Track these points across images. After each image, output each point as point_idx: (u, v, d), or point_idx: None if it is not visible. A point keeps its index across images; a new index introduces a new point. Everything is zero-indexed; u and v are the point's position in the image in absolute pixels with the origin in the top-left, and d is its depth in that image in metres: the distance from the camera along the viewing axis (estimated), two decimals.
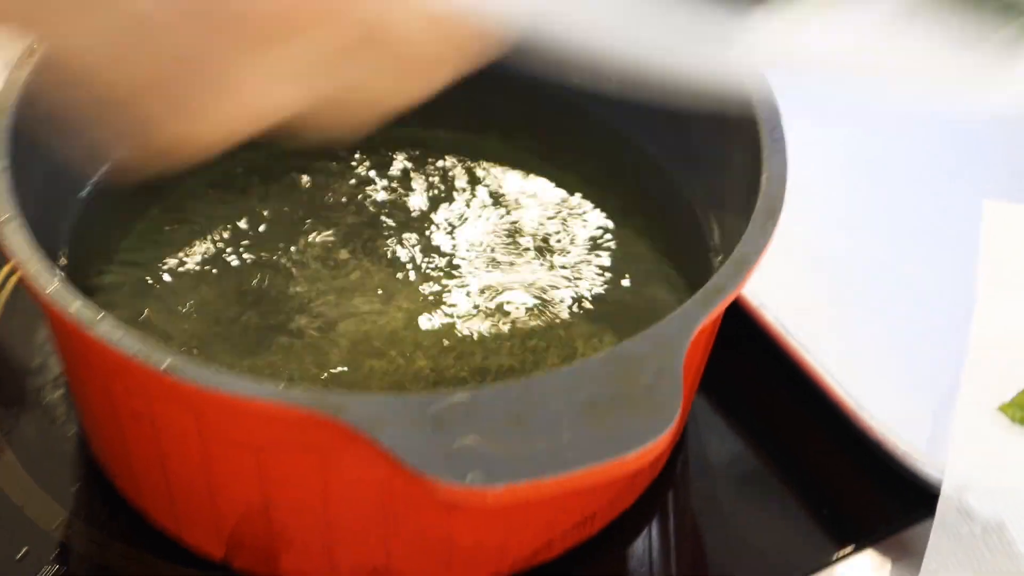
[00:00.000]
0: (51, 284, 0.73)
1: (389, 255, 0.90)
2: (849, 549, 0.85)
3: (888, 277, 0.98)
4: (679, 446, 0.89)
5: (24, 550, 0.84)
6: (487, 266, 0.90)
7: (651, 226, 0.92)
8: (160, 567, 0.84)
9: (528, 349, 0.85)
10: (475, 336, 0.85)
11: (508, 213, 0.93)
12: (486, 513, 0.76)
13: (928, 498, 0.85)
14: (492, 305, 0.87)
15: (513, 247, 0.91)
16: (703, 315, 0.72)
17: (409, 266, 0.89)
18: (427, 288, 0.88)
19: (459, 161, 0.96)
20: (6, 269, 0.98)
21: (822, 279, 0.97)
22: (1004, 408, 0.89)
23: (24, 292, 0.96)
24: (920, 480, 0.86)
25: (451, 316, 0.86)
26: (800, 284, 0.96)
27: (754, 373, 0.93)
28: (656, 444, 0.67)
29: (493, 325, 0.86)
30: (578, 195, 0.94)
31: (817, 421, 0.90)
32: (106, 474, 0.86)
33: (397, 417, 0.67)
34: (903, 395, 0.90)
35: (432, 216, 0.92)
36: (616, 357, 0.70)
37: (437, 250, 0.90)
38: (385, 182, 0.94)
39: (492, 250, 0.91)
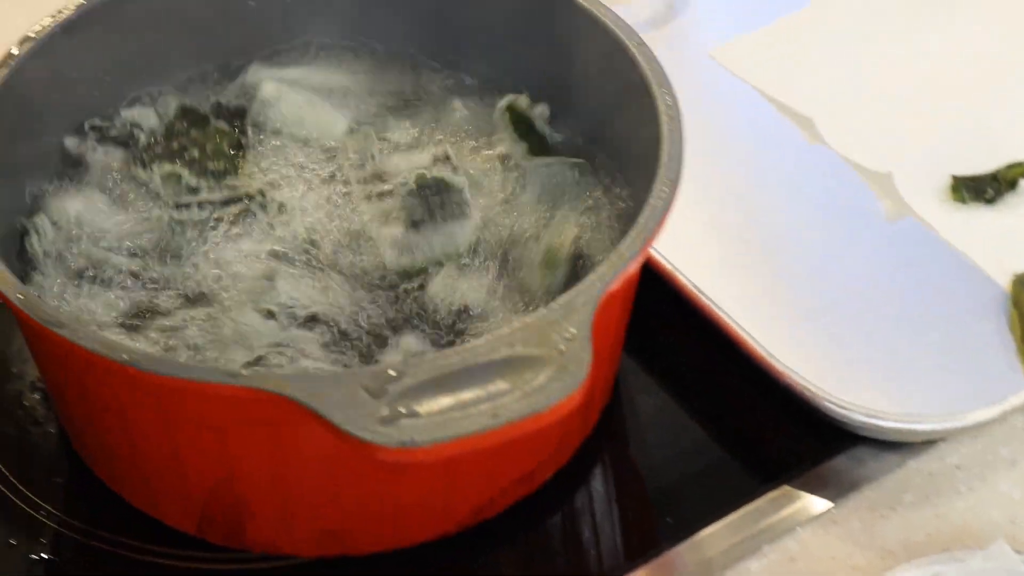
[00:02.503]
0: (18, 293, 0.80)
1: None
2: (771, 485, 0.93)
3: (793, 238, 1.06)
4: (611, 406, 0.96)
5: (14, 543, 0.91)
6: None
7: None
8: (142, 549, 0.91)
9: None
10: None
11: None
12: (425, 472, 0.83)
13: (838, 434, 0.94)
14: None
15: None
16: (609, 281, 0.79)
17: None
18: None
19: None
20: None
21: (734, 244, 1.05)
22: None
23: None
24: (829, 418, 0.94)
25: None
26: (715, 250, 1.04)
27: (675, 333, 1.01)
28: (570, 398, 0.74)
29: None
30: None
31: (735, 373, 0.98)
32: (86, 465, 0.93)
33: (334, 389, 0.74)
34: (809, 342, 0.98)
35: None
36: (532, 324, 0.77)
37: None
38: None
39: None
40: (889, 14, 1.23)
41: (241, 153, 0.99)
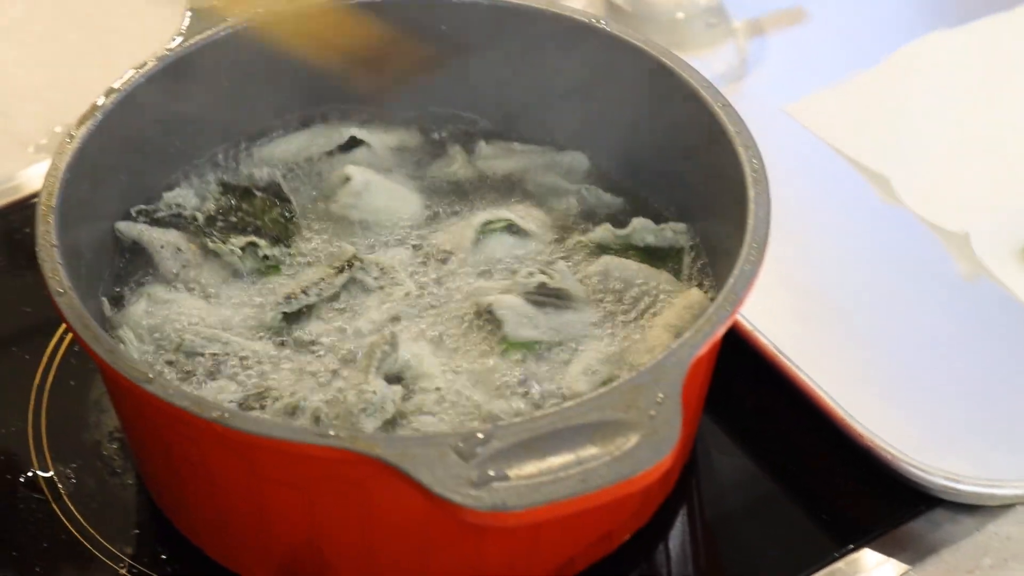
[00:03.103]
0: (108, 351, 0.81)
1: None
2: (849, 548, 0.93)
3: (868, 298, 1.06)
4: (690, 465, 0.96)
5: None
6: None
7: None
8: None
9: None
10: None
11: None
12: (511, 534, 0.83)
13: (917, 497, 0.94)
14: None
15: None
16: (699, 347, 0.80)
17: None
18: None
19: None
20: (57, 334, 1.05)
21: (810, 302, 1.06)
22: None
23: (75, 353, 1.04)
24: (908, 480, 0.94)
25: None
26: (791, 308, 1.04)
27: (754, 393, 1.01)
28: (660, 465, 0.74)
29: None
30: None
31: (813, 433, 0.98)
32: (165, 516, 0.94)
33: (424, 450, 0.75)
34: (889, 404, 0.98)
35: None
36: (621, 389, 0.77)
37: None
38: None
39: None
40: (965, 72, 1.23)
41: (293, 220, 1.00)
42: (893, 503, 0.95)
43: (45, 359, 1.03)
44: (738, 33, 1.29)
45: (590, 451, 0.74)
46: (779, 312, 1.02)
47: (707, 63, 1.18)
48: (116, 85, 0.95)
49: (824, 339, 1.02)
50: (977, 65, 1.24)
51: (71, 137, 0.92)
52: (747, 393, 1.01)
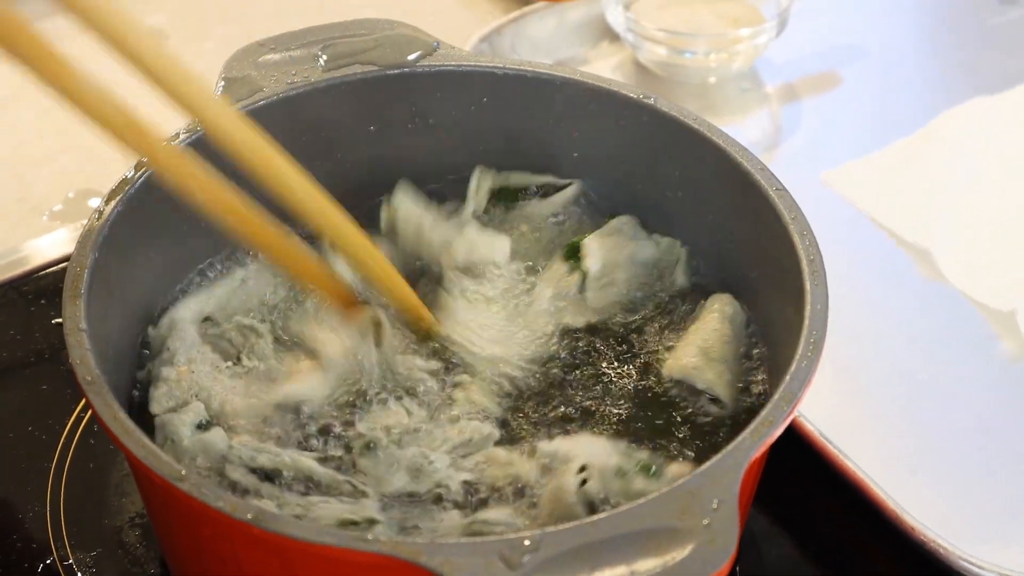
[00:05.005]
0: (139, 446, 0.77)
1: None
2: None
3: (913, 378, 1.03)
4: (738, 553, 0.93)
5: None
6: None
7: None
8: None
9: None
10: None
11: None
12: None
13: None
14: None
15: None
16: (755, 449, 0.76)
17: None
18: None
19: None
20: (75, 413, 1.01)
21: (853, 382, 1.03)
22: None
23: (94, 433, 1.00)
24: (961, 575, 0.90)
25: None
26: (833, 389, 1.00)
27: (799, 479, 0.97)
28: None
29: None
30: None
31: (861, 522, 0.94)
32: None
33: (469, 558, 0.71)
34: (938, 491, 0.95)
35: None
36: (675, 493, 0.74)
37: None
38: None
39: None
40: (1007, 141, 1.20)
41: None
42: None
43: (63, 439, 1.00)
44: (771, 99, 1.26)
45: (643, 563, 0.71)
46: (822, 393, 0.98)
47: (741, 129, 1.16)
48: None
49: (868, 422, 1.00)
50: (1020, 134, 1.21)
51: (99, 214, 0.89)
52: (791, 479, 0.97)
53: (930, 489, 0.95)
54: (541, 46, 1.30)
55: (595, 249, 0.97)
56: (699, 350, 0.90)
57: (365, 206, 0.98)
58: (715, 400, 0.89)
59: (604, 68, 1.28)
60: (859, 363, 1.03)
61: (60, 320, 1.04)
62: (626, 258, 0.97)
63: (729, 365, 0.90)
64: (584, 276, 0.96)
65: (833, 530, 0.96)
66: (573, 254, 0.97)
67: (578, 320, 0.94)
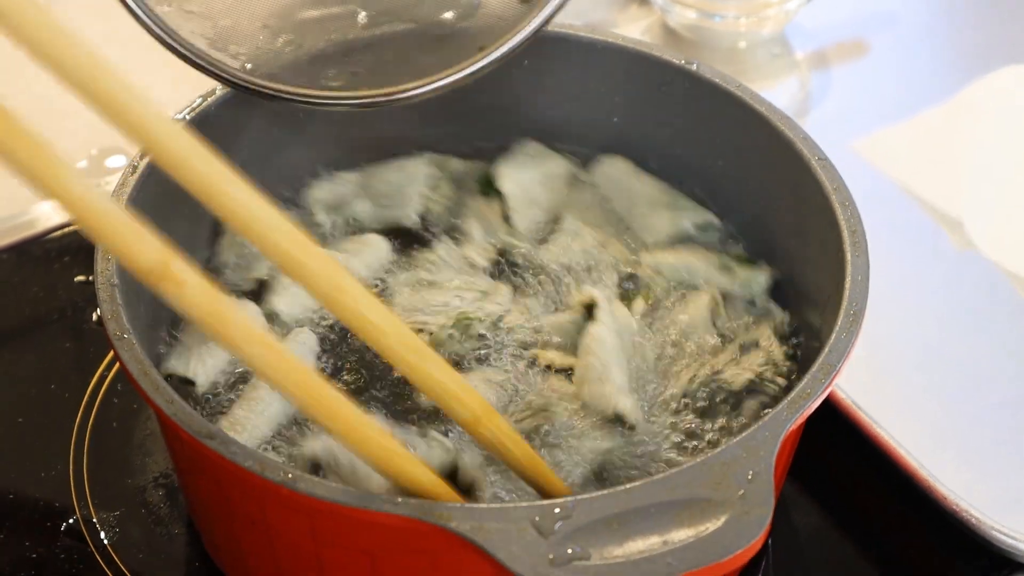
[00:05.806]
0: (169, 402, 0.77)
1: None
2: None
3: (946, 350, 1.02)
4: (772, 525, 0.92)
5: None
6: None
7: None
8: None
9: None
10: None
11: None
12: None
13: (1002, 562, 0.90)
14: None
15: None
16: (791, 420, 0.76)
17: None
18: None
19: None
20: (98, 371, 1.01)
21: (887, 355, 1.01)
22: None
23: (118, 391, 0.99)
24: (994, 546, 0.90)
25: None
26: (868, 362, 0.99)
27: (833, 451, 0.97)
28: (750, 548, 0.70)
29: None
30: None
31: (896, 495, 0.94)
32: (218, 570, 0.90)
33: (501, 524, 0.71)
34: (972, 463, 0.94)
35: None
36: (710, 464, 0.73)
37: None
38: None
39: None
40: None
41: None
42: (978, 568, 0.91)
43: (86, 398, 0.99)
44: (801, 65, 1.25)
45: (676, 533, 0.70)
46: (856, 366, 0.97)
47: (771, 95, 1.14)
48: (182, 114, 0.91)
49: (903, 395, 0.98)
50: None
51: (134, 168, 0.88)
52: (825, 451, 0.96)
53: (963, 460, 0.94)
54: (569, 8, 1.28)
55: (505, 172, 0.99)
56: None
57: None
58: None
59: (633, 31, 1.26)
60: (889, 333, 1.02)
61: (83, 278, 1.06)
62: (542, 175, 0.99)
63: None
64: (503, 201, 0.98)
65: (865, 500, 0.95)
66: (488, 185, 0.99)
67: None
